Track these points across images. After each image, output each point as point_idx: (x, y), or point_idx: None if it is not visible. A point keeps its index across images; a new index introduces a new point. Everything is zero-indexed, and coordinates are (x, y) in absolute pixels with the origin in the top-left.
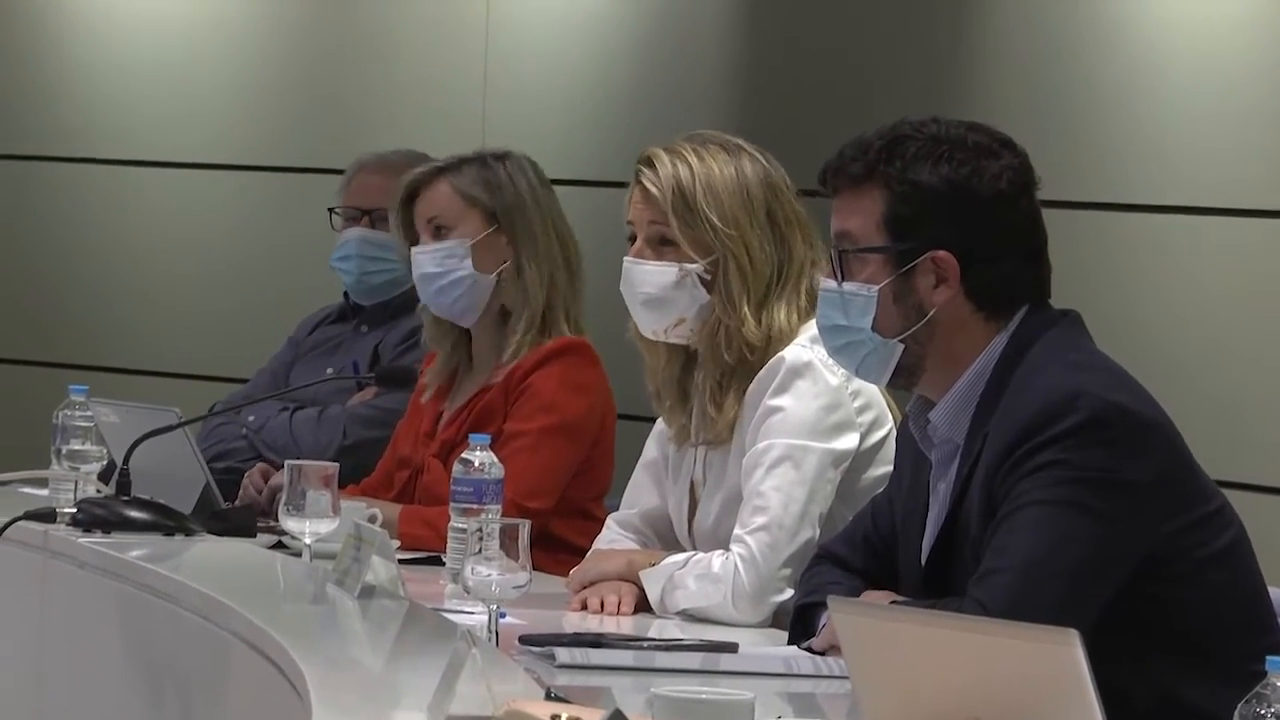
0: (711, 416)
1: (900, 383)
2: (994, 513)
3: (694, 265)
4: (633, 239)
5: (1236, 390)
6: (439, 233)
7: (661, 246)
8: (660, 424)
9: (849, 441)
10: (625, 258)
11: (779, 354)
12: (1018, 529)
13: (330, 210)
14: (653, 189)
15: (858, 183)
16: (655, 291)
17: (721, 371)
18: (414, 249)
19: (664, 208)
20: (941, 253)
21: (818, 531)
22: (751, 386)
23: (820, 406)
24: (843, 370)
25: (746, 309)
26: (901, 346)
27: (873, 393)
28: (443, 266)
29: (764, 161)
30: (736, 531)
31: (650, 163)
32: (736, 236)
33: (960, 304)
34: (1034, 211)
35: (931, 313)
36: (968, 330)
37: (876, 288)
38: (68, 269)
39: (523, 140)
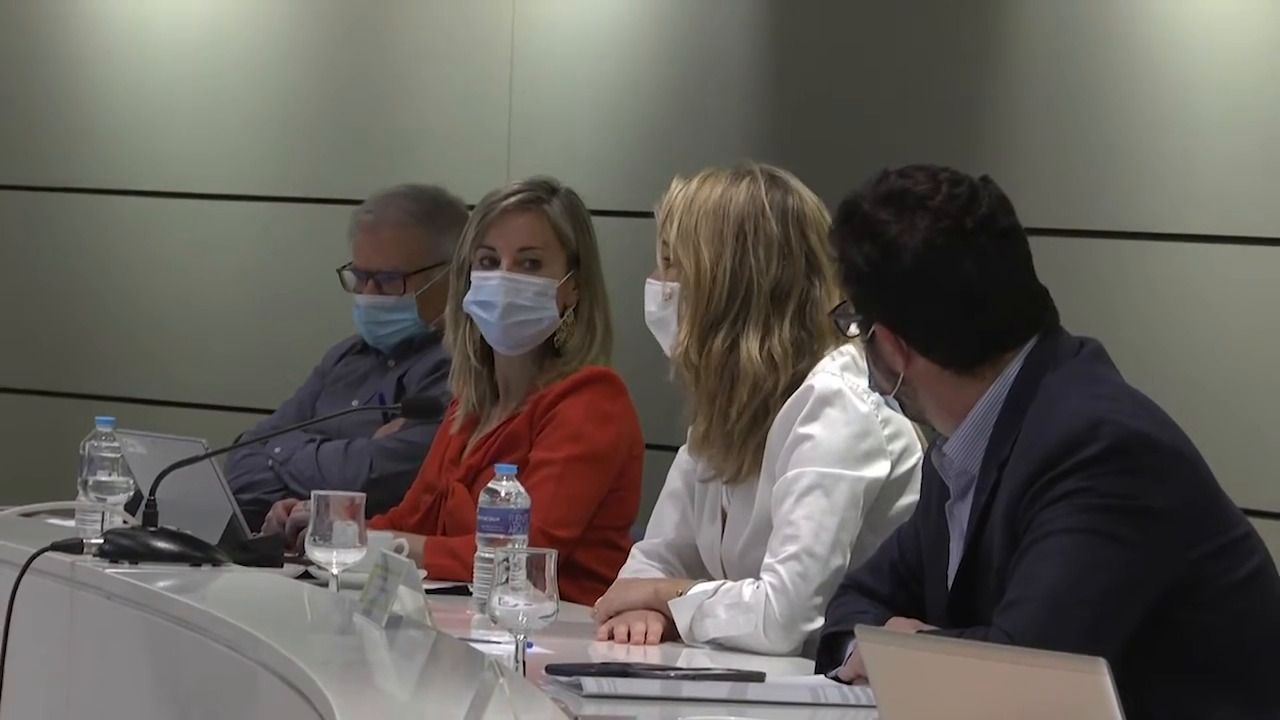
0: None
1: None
2: (1017, 541)
3: (676, 284)
4: None
5: (1262, 418)
6: (531, 266)
7: (666, 267)
8: (683, 453)
9: (879, 469)
10: None
11: (808, 382)
12: (1042, 558)
13: (339, 271)
14: (656, 211)
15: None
16: (654, 310)
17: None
18: (496, 274)
19: (659, 227)
20: (881, 326)
21: (848, 559)
22: (780, 414)
23: (851, 434)
24: (873, 398)
25: (685, 330)
26: (897, 402)
27: (903, 421)
28: (534, 302)
29: (767, 188)
30: (767, 560)
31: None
32: (688, 253)
33: (925, 366)
34: (978, 255)
35: (902, 375)
36: (947, 385)
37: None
38: (94, 300)
39: (548, 171)
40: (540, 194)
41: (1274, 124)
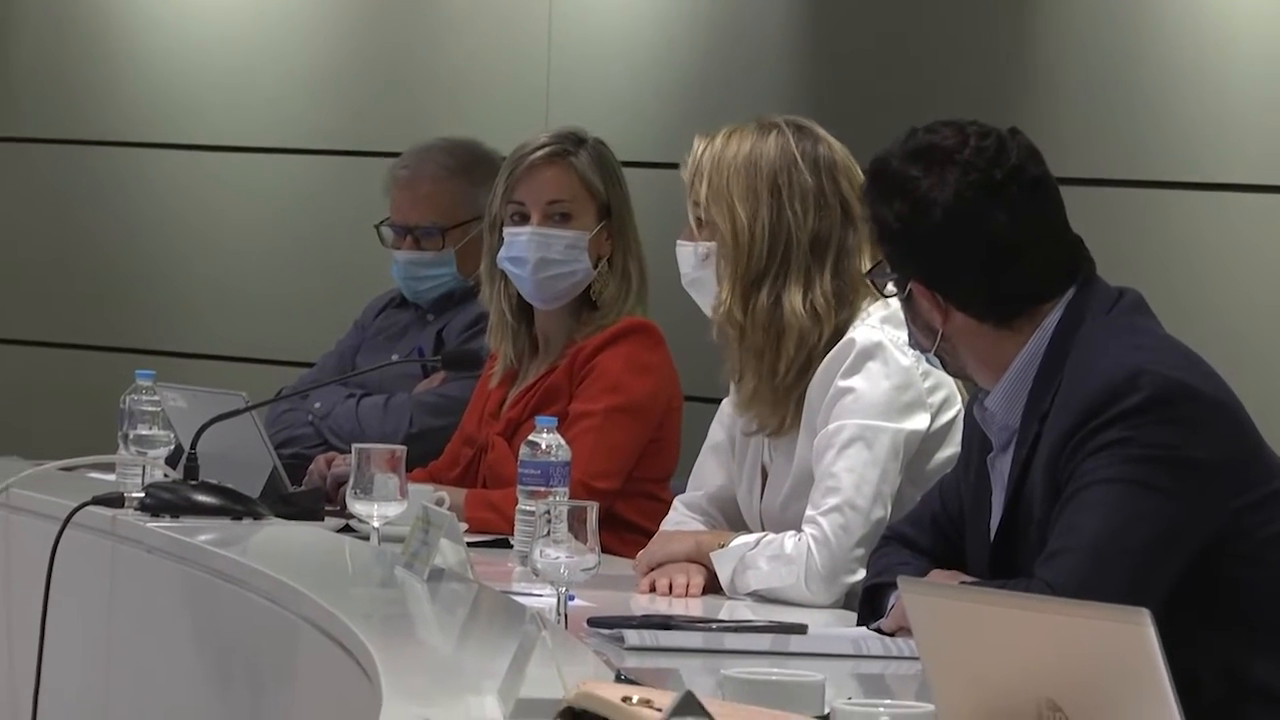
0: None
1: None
2: (1059, 493)
3: (712, 243)
4: None
5: None
6: (561, 219)
7: (698, 227)
8: (725, 405)
9: (920, 422)
10: None
11: (849, 335)
12: (1084, 508)
13: (377, 228)
14: (683, 172)
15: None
16: (689, 272)
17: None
18: (526, 229)
19: (688, 188)
20: (917, 283)
21: (889, 511)
22: (821, 367)
23: (891, 387)
24: (913, 350)
25: (726, 290)
26: (937, 359)
27: (943, 374)
28: (565, 256)
29: (796, 139)
30: (809, 512)
31: (691, 147)
32: (723, 212)
33: (964, 321)
34: (1009, 206)
35: (940, 331)
36: (986, 339)
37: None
38: (133, 254)
39: (587, 122)
40: (567, 146)
41: None
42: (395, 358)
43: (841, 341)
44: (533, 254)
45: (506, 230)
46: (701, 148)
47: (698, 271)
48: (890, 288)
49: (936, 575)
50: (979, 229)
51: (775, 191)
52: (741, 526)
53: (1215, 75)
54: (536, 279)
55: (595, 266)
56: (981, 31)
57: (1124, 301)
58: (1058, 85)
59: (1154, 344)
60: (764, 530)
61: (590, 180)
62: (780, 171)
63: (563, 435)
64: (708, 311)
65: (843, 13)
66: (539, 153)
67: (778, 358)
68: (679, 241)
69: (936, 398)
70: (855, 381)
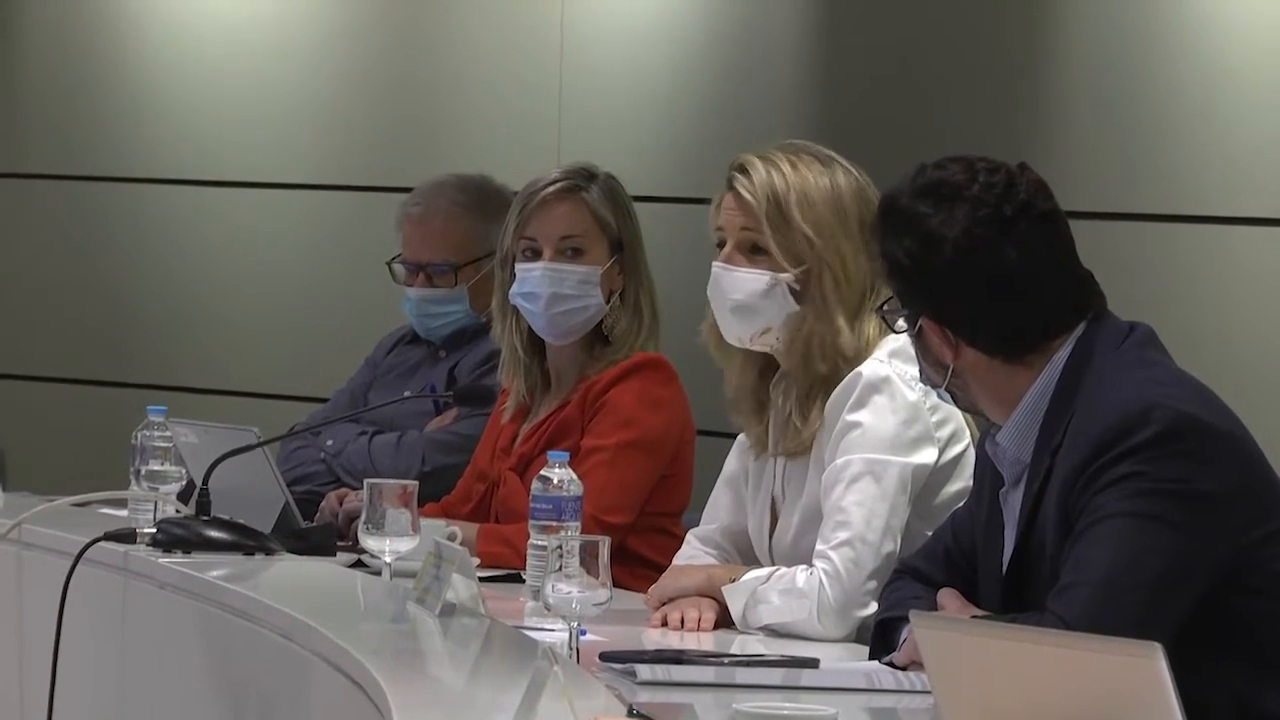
0: (796, 426)
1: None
2: (1070, 527)
3: (785, 275)
4: (721, 244)
5: None
6: (573, 254)
7: (753, 254)
8: (742, 437)
9: (928, 456)
10: (715, 263)
11: (856, 369)
12: (1096, 542)
13: (389, 264)
14: (747, 195)
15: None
16: (744, 299)
17: (811, 383)
18: (539, 265)
19: (758, 215)
20: (927, 319)
21: (899, 545)
22: (829, 401)
23: (899, 421)
24: (920, 385)
25: (841, 320)
26: (948, 394)
27: (950, 408)
28: (577, 291)
29: (857, 175)
30: (819, 547)
31: (744, 169)
32: (831, 247)
33: (974, 356)
34: (1019, 241)
35: (951, 366)
36: (997, 374)
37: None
38: (145, 290)
39: (597, 157)
40: (578, 181)
41: None
42: (408, 394)
43: (849, 376)
44: (545, 289)
45: (519, 266)
46: (769, 174)
47: (759, 300)
48: (901, 324)
49: (946, 599)
50: (989, 264)
51: (861, 229)
52: (755, 560)
53: (1224, 109)
54: (549, 315)
55: (607, 301)
56: (989, 64)
57: (1135, 336)
58: (1064, 118)
59: (1166, 378)
60: (774, 564)
61: (602, 215)
62: (863, 208)
63: (575, 470)
64: (743, 339)
65: (854, 44)
66: (551, 188)
67: (830, 382)
68: (726, 267)
69: (944, 432)
70: (862, 416)
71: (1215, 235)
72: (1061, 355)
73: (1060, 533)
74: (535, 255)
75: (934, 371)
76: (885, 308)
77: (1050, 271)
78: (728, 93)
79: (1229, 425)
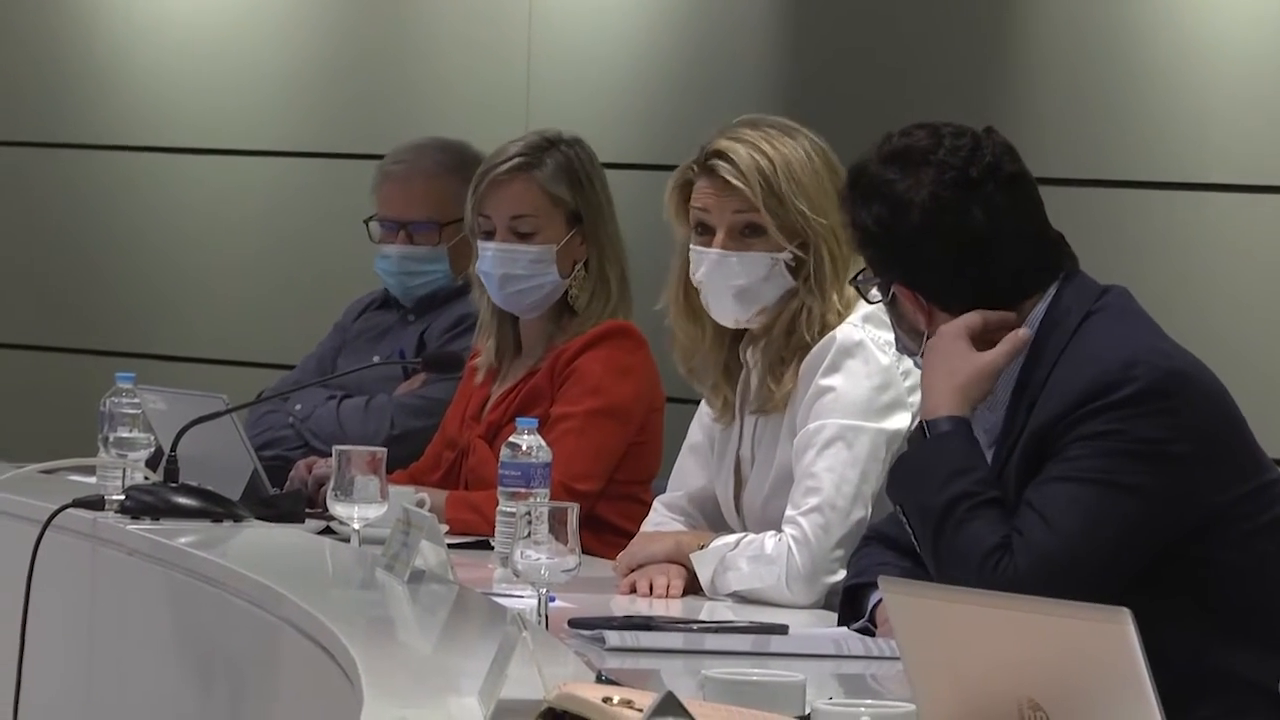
0: (770, 388)
1: None
2: (1035, 473)
3: (783, 253)
4: (702, 229)
5: None
6: (525, 235)
7: (746, 236)
8: (704, 405)
9: (901, 421)
10: (705, 249)
11: (830, 333)
12: (1064, 499)
13: (366, 222)
14: (734, 180)
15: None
16: (748, 283)
17: (790, 348)
18: (492, 245)
19: (752, 198)
20: (899, 286)
21: (870, 511)
22: (803, 365)
23: (872, 386)
24: (894, 349)
25: (835, 295)
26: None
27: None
28: (529, 271)
29: (817, 139)
30: (789, 512)
31: (722, 154)
32: (825, 224)
33: (948, 320)
34: (986, 203)
35: (925, 333)
36: None
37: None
38: (112, 257)
39: (566, 123)
40: (531, 157)
41: None
42: (376, 359)
43: (823, 339)
44: (497, 270)
45: (478, 242)
46: (748, 154)
47: (761, 284)
48: (874, 293)
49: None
50: (957, 227)
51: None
52: (722, 526)
53: (1194, 76)
54: (504, 294)
55: (572, 272)
56: (960, 32)
57: (1111, 295)
58: (1036, 85)
59: (1148, 334)
60: (744, 528)
61: (554, 191)
62: (838, 177)
63: (544, 438)
64: (740, 321)
65: (823, 12)
66: (502, 167)
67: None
68: (721, 252)
69: (916, 397)
70: (835, 380)
71: (1186, 201)
72: (1035, 315)
73: (1022, 481)
74: (489, 234)
75: (909, 339)
76: (859, 278)
77: (1019, 232)
78: (697, 61)
79: (1210, 384)
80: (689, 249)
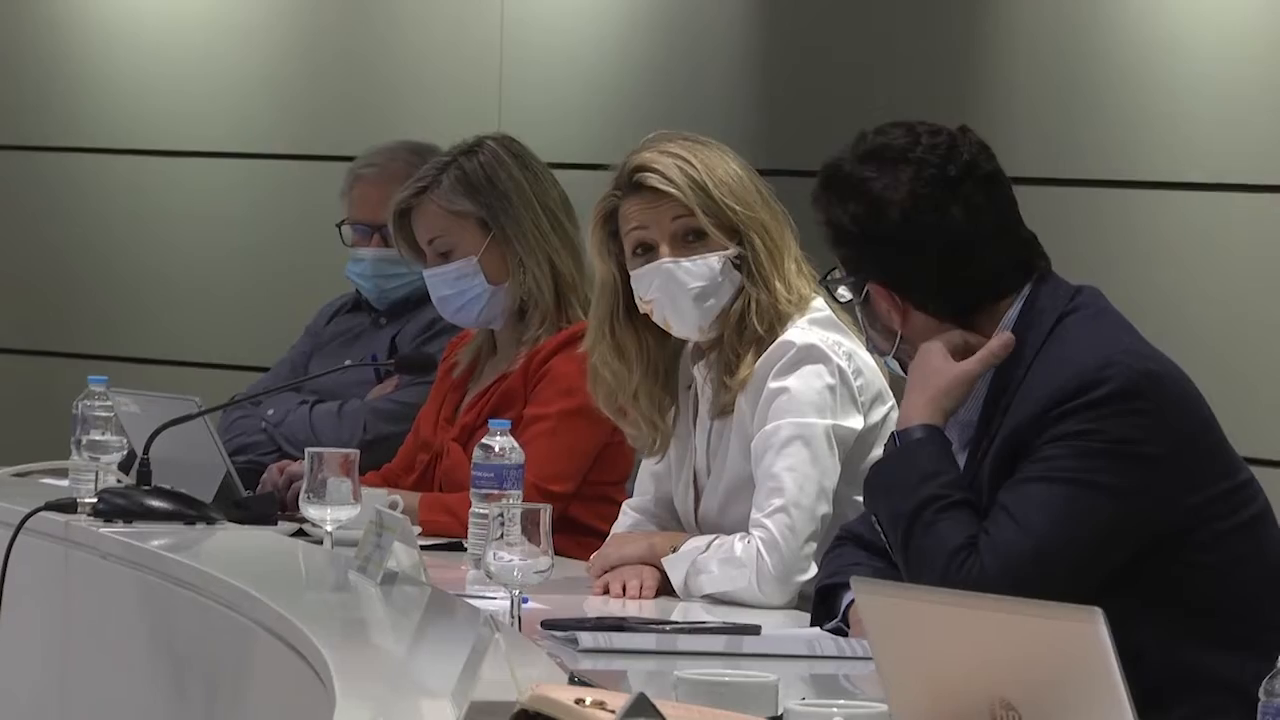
0: (725, 383)
1: None
2: (1010, 473)
3: (728, 251)
4: (643, 248)
5: (1260, 366)
6: (444, 255)
7: (690, 242)
8: None
9: (854, 421)
10: (654, 264)
11: (784, 338)
12: (1037, 499)
13: (338, 225)
14: (666, 188)
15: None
16: (706, 284)
17: (745, 343)
18: (426, 271)
19: (687, 202)
20: (875, 285)
21: (832, 507)
22: (755, 369)
23: (825, 385)
24: (845, 350)
25: (778, 282)
26: (895, 361)
27: (873, 373)
28: (456, 288)
29: (725, 147)
30: (754, 515)
31: (645, 168)
32: (755, 217)
33: (923, 320)
34: (964, 202)
35: (899, 332)
36: None
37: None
38: (87, 260)
39: (539, 124)
40: (426, 181)
41: (1273, 70)
42: (349, 363)
43: (776, 343)
44: (434, 293)
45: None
46: (673, 164)
47: (716, 283)
48: (843, 292)
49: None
50: (936, 226)
51: (762, 194)
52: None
53: (1166, 74)
54: (450, 314)
55: (511, 277)
56: (933, 33)
57: (1084, 296)
58: (1009, 85)
59: (1123, 336)
60: (700, 534)
61: (453, 207)
62: (750, 172)
63: (517, 439)
64: (703, 329)
65: (794, 14)
66: (403, 196)
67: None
68: (673, 260)
69: (867, 396)
70: (789, 381)
71: (1159, 200)
72: (1009, 317)
73: (996, 483)
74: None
75: (881, 339)
76: (829, 277)
77: (997, 232)
78: (669, 62)
79: (1183, 386)
80: (624, 278)
